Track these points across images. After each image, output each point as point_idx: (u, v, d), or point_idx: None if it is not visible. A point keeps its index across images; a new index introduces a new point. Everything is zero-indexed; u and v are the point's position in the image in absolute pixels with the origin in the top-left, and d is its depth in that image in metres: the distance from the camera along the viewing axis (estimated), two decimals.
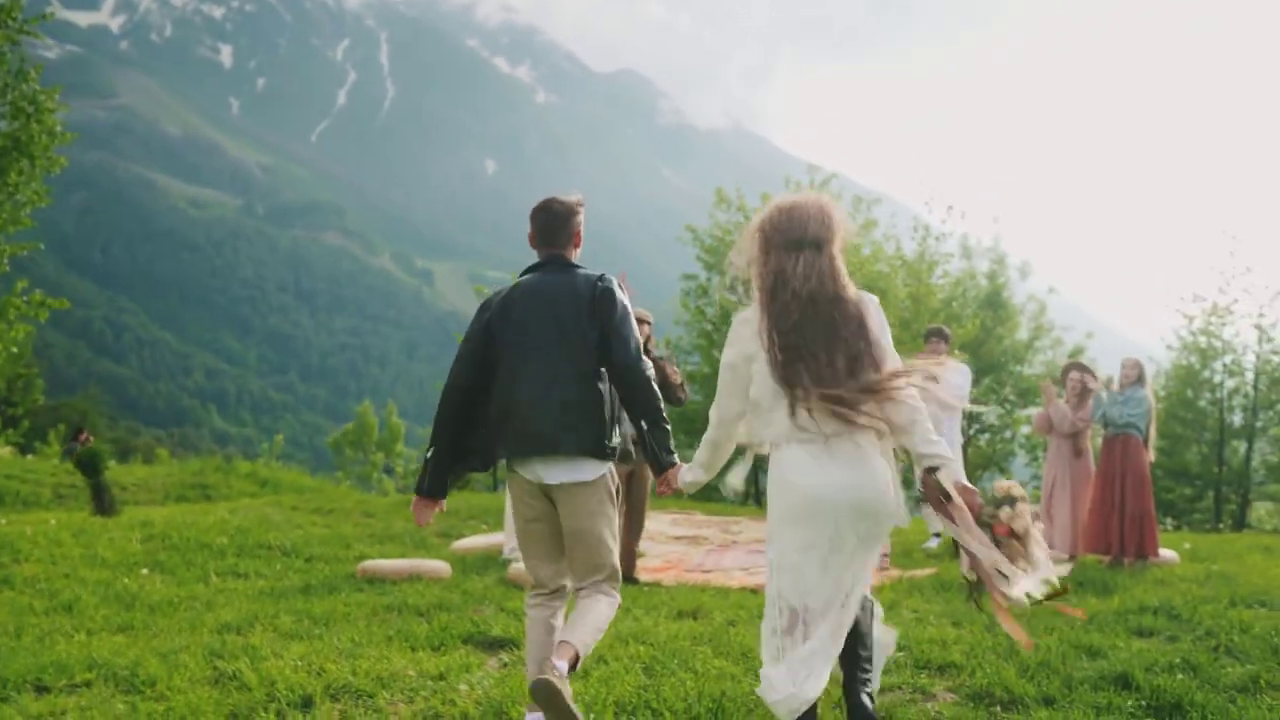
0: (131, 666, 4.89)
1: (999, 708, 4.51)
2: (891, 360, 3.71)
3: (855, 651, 3.82)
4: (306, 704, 4.41)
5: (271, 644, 5.39)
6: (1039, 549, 3.79)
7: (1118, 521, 8.88)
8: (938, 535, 10.30)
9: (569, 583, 4.25)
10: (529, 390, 4.08)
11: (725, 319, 19.16)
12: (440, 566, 7.95)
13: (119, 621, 6.30)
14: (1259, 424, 21.70)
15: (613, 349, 4.08)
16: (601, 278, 4.21)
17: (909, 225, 21.08)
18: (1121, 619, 6.22)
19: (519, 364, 4.12)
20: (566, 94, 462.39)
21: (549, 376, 4.07)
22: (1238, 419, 22.24)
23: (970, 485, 3.72)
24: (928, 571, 8.53)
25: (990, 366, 22.43)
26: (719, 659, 5.15)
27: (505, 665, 5.25)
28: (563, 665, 3.77)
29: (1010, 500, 3.71)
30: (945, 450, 3.66)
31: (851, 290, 3.76)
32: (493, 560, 8.74)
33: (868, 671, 3.86)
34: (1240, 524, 21.06)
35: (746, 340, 3.78)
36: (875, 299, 3.84)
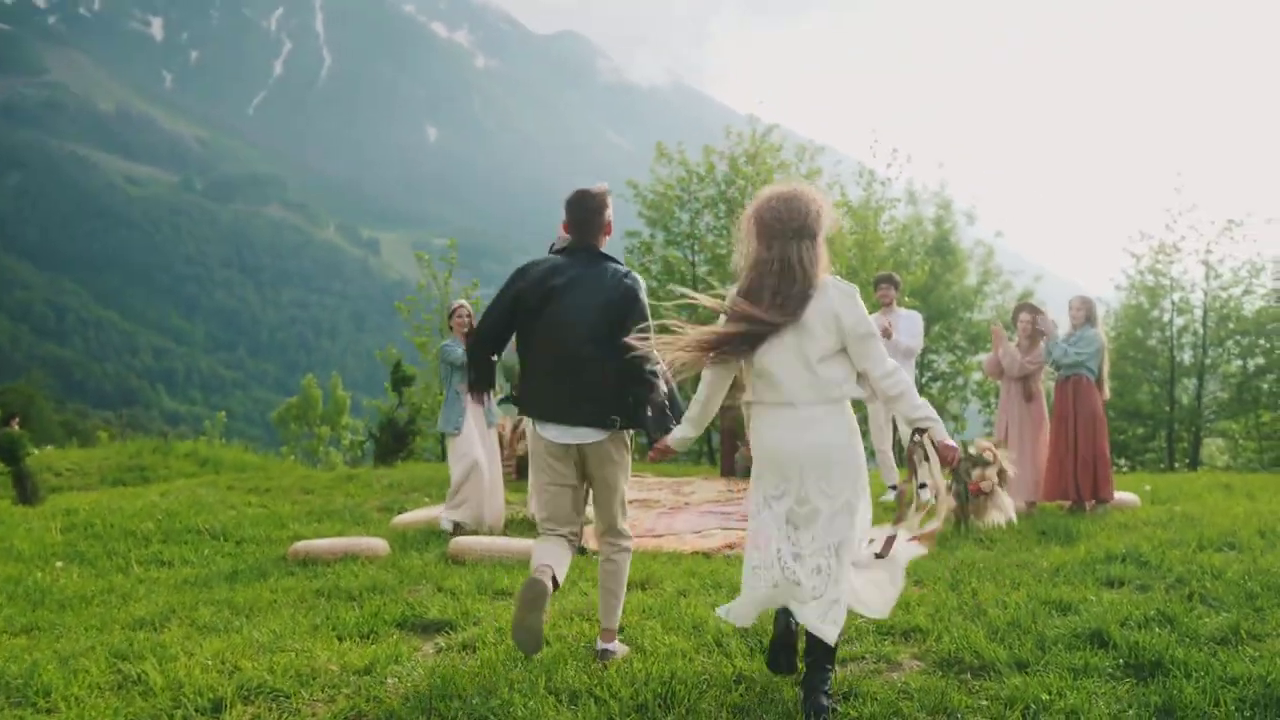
0: (26, 674, 4.45)
1: (969, 675, 4.21)
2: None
3: (821, 662, 3.92)
4: (216, 708, 4.01)
5: (185, 641, 4.98)
6: (998, 512, 4.89)
7: (1072, 465, 8.63)
8: (894, 489, 10.05)
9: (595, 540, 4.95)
10: (551, 364, 4.53)
11: (670, 274, 18.79)
12: (377, 544, 7.55)
13: (23, 622, 5.85)
14: (1208, 361, 21.68)
15: (617, 332, 4.38)
16: (628, 274, 4.61)
17: (854, 174, 20.76)
18: (1089, 569, 5.96)
19: (544, 338, 4.54)
20: (507, 57, 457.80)
21: (569, 354, 4.47)
22: (1187, 357, 22.23)
23: (952, 444, 4.04)
24: (886, 527, 8.25)
25: (940, 313, 22.24)
26: (669, 634, 4.81)
27: (441, 650, 4.88)
28: (613, 646, 4.61)
29: (983, 462, 4.38)
30: (932, 413, 4.02)
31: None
32: (434, 534, 8.36)
33: (826, 678, 3.92)
34: (1193, 462, 21.08)
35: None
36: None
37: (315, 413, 28.29)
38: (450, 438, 8.84)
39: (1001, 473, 5.17)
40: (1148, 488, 10.04)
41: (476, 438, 8.92)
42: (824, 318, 3.91)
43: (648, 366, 4.42)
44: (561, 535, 4.60)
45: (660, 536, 8.43)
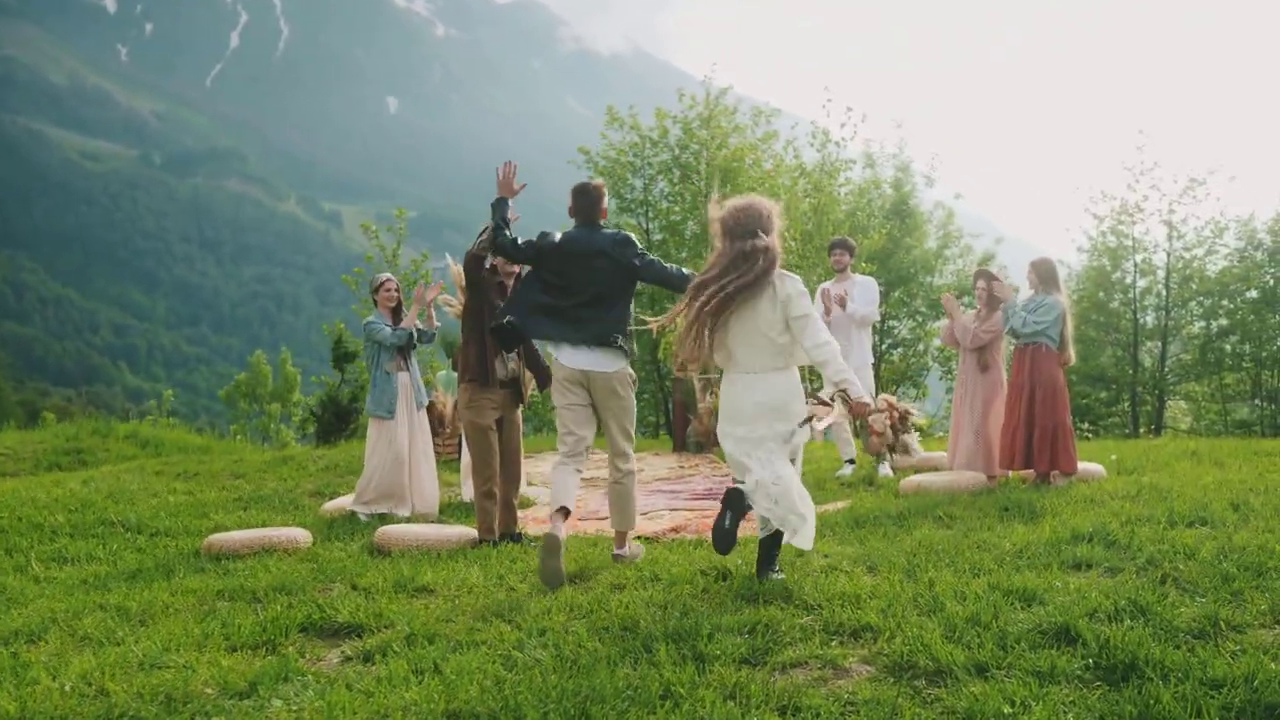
0: None
1: (923, 681, 3.78)
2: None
3: (770, 549, 5.40)
4: None
5: (56, 657, 4.48)
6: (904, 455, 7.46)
7: (1025, 436, 8.23)
8: (851, 462, 9.66)
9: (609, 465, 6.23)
10: (564, 302, 6.00)
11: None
12: (298, 535, 7.07)
13: None
14: (1171, 323, 21.45)
15: (639, 275, 6.13)
16: (618, 231, 6.20)
17: (809, 137, 20.24)
18: (1055, 550, 5.55)
19: (560, 285, 6.03)
20: (466, 27, 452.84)
21: (578, 295, 5.99)
22: (1150, 319, 22.00)
23: (865, 400, 5.27)
24: (841, 505, 7.85)
25: (900, 278, 21.88)
26: (595, 638, 4.35)
27: (347, 660, 4.41)
28: (625, 550, 6.07)
29: (878, 410, 6.55)
30: (851, 376, 5.22)
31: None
32: (362, 522, 7.88)
33: (774, 557, 5.43)
34: (1158, 426, 20.87)
35: None
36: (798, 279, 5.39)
37: (265, 389, 27.63)
38: (379, 421, 8.36)
39: (904, 417, 6.54)
40: (1114, 457, 9.67)
41: (404, 424, 8.46)
42: (774, 303, 5.18)
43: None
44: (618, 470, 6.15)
45: (605, 519, 7.99)
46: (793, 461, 5.39)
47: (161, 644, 4.57)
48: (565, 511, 5.74)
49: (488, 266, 7.06)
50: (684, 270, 6.10)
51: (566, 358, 5.94)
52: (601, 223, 6.25)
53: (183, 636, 4.70)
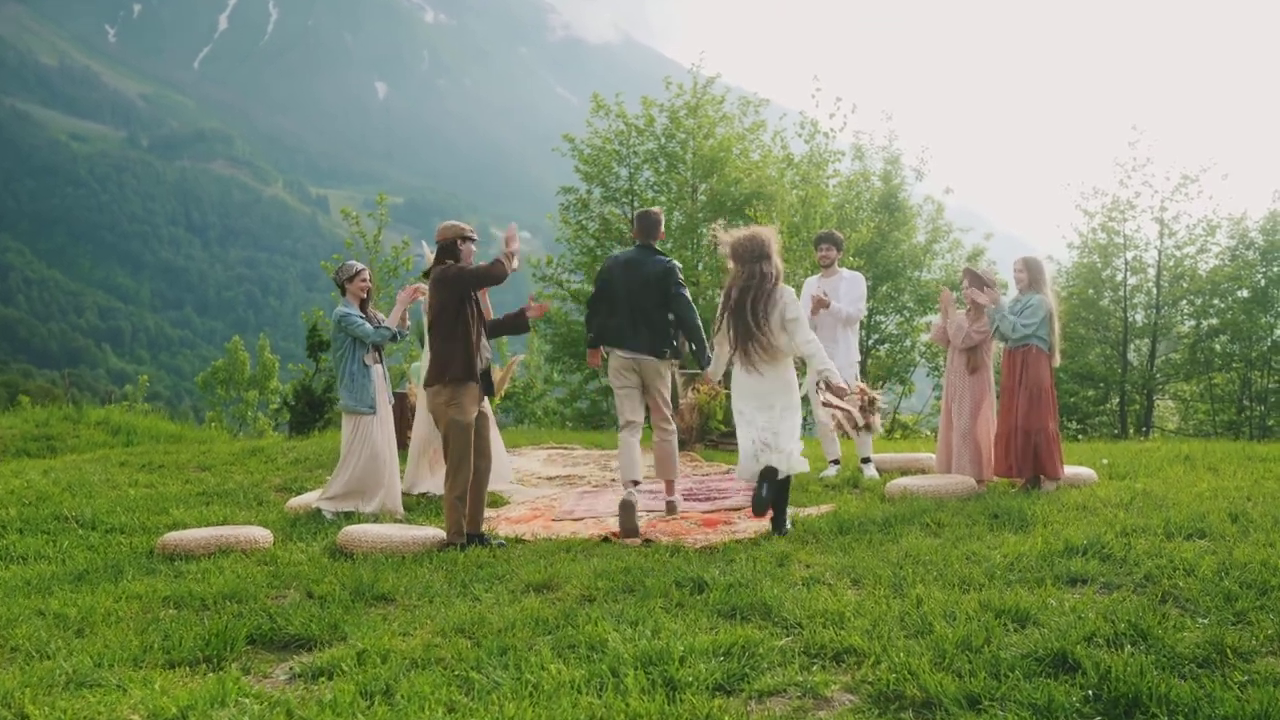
0: None
1: (911, 713, 3.51)
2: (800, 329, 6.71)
3: (781, 494, 6.76)
4: None
5: None
6: (868, 432, 8.25)
7: (1013, 440, 7.98)
8: (836, 463, 9.39)
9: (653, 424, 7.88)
10: (614, 310, 7.71)
11: (608, 231, 17.95)
12: (258, 535, 6.76)
13: None
14: (1161, 321, 21.23)
15: (667, 302, 7.65)
16: (669, 262, 7.76)
17: (797, 128, 19.93)
18: (1047, 563, 5.29)
19: (622, 301, 7.67)
20: (455, 13, 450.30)
21: (635, 309, 7.64)
22: (1140, 317, 21.78)
23: (843, 385, 6.84)
24: (825, 509, 7.57)
25: (887, 272, 21.57)
26: (559, 660, 4.05)
27: (295, 677, 4.12)
28: (675, 496, 7.92)
29: (848, 393, 7.01)
30: (831, 365, 6.72)
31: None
32: (326, 520, 7.58)
33: (784, 509, 6.80)
34: (1146, 426, 20.67)
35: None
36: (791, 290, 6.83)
37: (243, 376, 27.20)
38: (356, 417, 8.03)
39: (873, 402, 7.29)
40: (1105, 461, 9.40)
41: (385, 420, 8.21)
42: (776, 311, 6.65)
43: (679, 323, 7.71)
44: (662, 429, 7.84)
45: (580, 520, 7.71)
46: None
47: (95, 658, 4.26)
48: (635, 483, 7.40)
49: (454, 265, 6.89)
50: (698, 319, 7.75)
51: (626, 350, 7.69)
52: (656, 244, 7.93)
53: (120, 650, 4.39)
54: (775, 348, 6.65)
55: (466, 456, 6.77)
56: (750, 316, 6.63)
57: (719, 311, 6.98)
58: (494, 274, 6.76)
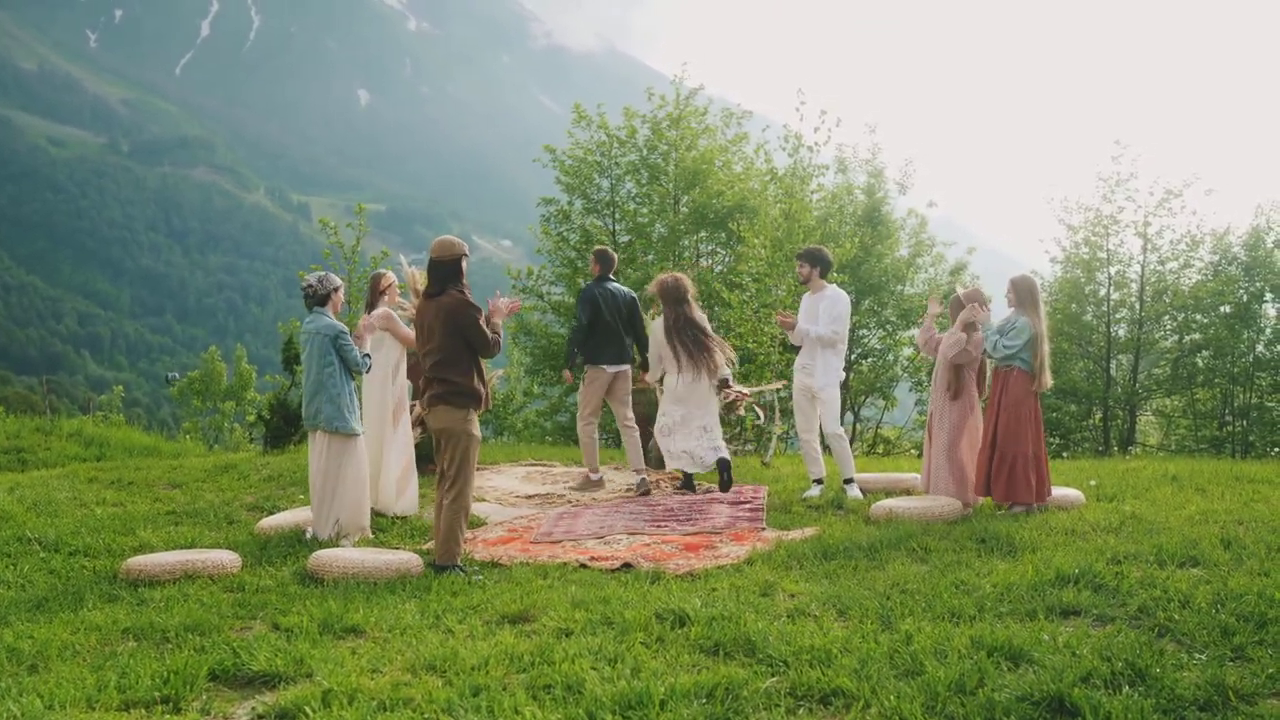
0: None
1: None
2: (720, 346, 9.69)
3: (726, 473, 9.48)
4: None
5: None
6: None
7: (987, 461, 7.84)
8: (819, 483, 9.21)
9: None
10: (606, 336, 9.77)
11: (589, 244, 17.75)
12: (226, 559, 6.54)
13: None
14: (1144, 336, 21.14)
15: (634, 324, 10.01)
16: (629, 292, 10.12)
17: (780, 140, 19.79)
18: (1039, 594, 5.15)
19: (604, 324, 9.75)
20: (438, 20, 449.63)
21: (614, 331, 9.81)
22: (1122, 332, 21.69)
23: (743, 391, 10.17)
24: (809, 532, 7.41)
25: (870, 287, 21.41)
26: (533, 704, 3.87)
27: (258, 718, 3.92)
28: (646, 479, 9.76)
29: (741, 393, 10.03)
30: (727, 372, 9.68)
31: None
32: (299, 542, 7.35)
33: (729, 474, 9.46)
34: (1129, 442, 20.58)
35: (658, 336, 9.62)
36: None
37: (219, 387, 26.84)
38: (347, 438, 7.72)
39: (736, 401, 10.00)
40: (1093, 482, 9.24)
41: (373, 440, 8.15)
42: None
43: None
44: (629, 427, 10.03)
45: (558, 543, 7.51)
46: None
47: (46, 699, 4.05)
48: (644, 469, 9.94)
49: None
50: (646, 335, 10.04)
51: (607, 366, 9.84)
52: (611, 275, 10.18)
53: (72, 689, 4.18)
54: (716, 363, 9.48)
55: (474, 474, 6.90)
56: (694, 338, 9.48)
57: (664, 334, 9.51)
58: (490, 350, 6.81)
